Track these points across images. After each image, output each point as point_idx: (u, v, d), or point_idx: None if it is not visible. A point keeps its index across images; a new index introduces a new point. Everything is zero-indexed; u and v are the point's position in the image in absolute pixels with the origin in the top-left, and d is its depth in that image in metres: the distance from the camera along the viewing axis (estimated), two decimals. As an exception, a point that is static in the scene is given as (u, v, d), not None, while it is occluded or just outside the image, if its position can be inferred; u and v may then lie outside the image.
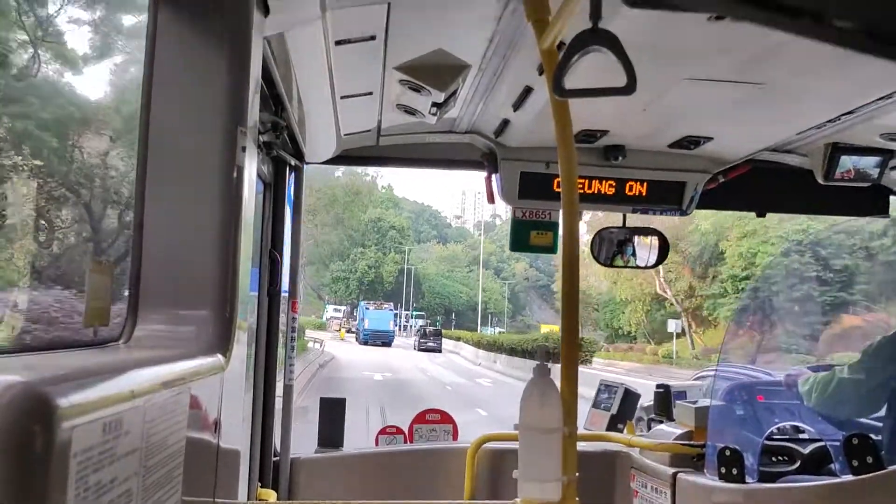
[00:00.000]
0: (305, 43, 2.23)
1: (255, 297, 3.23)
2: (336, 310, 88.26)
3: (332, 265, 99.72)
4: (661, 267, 51.98)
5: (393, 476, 3.75)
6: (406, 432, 4.24)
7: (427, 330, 68.65)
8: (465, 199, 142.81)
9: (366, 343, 66.16)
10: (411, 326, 79.46)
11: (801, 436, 3.60)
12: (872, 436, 3.03)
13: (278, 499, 3.43)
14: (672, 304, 55.54)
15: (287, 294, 3.64)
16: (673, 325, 50.35)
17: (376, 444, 4.17)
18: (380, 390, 25.84)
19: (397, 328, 78.94)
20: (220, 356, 1.48)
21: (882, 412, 3.29)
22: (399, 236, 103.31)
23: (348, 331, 76.63)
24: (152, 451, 1.06)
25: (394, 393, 25.21)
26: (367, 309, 71.42)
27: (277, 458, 3.56)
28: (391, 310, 73.50)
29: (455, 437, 4.35)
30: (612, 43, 1.66)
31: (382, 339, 67.52)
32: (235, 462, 1.81)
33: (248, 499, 3.13)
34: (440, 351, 62.84)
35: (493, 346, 51.09)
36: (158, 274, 1.53)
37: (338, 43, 2.34)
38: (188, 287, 1.53)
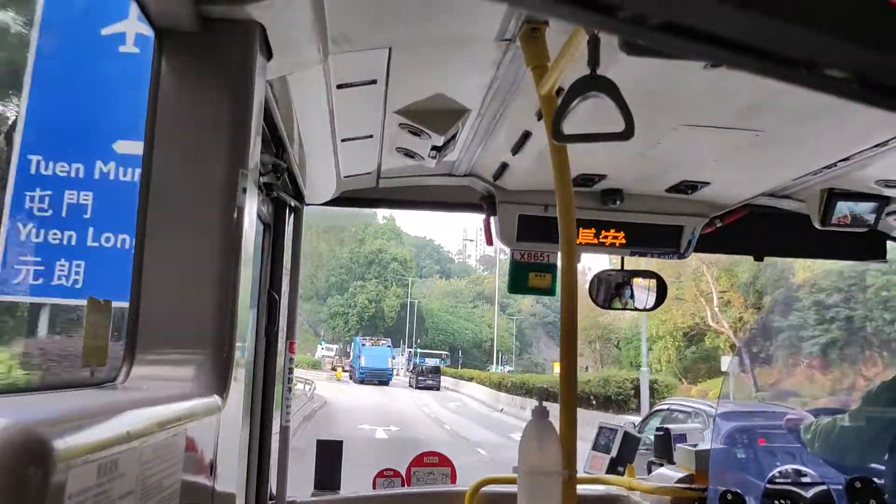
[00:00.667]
0: (307, 86, 2.26)
1: (252, 338, 3.22)
2: (328, 348, 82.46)
3: (330, 298, 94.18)
4: (714, 295, 44.96)
5: None
6: (403, 475, 4.19)
7: (423, 367, 64.96)
8: (466, 235, 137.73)
9: (362, 381, 62.17)
10: (418, 366, 72.41)
11: (804, 479, 3.56)
12: (875, 479, 3.00)
13: None
14: (711, 340, 48.36)
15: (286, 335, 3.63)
16: (727, 363, 39.57)
17: (374, 487, 4.12)
18: (385, 458, 16.39)
19: (400, 367, 74.80)
20: (217, 397, 1.47)
21: (885, 456, 3.27)
22: (401, 269, 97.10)
23: (343, 369, 70.69)
24: (148, 494, 1.05)
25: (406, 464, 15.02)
26: (364, 345, 66.94)
27: (273, 501, 3.51)
28: (389, 346, 68.66)
29: (453, 480, 4.30)
30: (610, 89, 1.69)
31: (380, 378, 63.15)
32: None
33: None
34: (438, 388, 59.68)
35: (519, 389, 42.22)
36: (156, 314, 1.53)
37: (339, 87, 2.37)
38: (186, 327, 1.53)
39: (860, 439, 3.20)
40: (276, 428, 3.48)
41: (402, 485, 4.15)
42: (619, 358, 60.87)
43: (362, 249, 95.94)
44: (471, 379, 59.07)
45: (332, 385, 52.88)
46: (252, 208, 1.70)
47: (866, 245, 4.00)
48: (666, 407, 16.60)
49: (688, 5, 0.48)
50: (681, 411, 15.27)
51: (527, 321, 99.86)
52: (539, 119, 2.60)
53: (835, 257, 4.22)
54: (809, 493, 3.43)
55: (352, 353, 72.19)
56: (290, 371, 3.59)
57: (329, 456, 3.87)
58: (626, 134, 1.69)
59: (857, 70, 0.52)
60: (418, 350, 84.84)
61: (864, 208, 3.51)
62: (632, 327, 56.17)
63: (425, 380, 60.99)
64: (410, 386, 62.12)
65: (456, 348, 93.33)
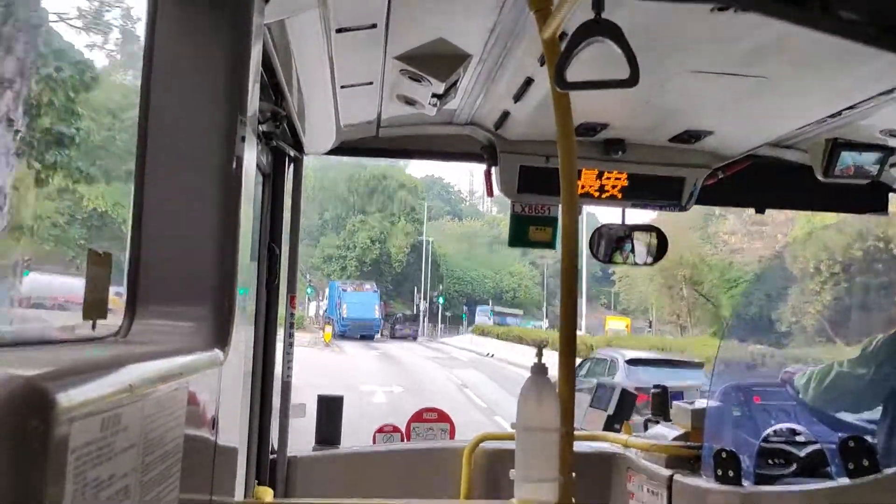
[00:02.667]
0: (306, 30, 2.21)
1: (253, 291, 3.22)
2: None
3: (324, 238, 75.24)
4: None
5: (390, 474, 3.75)
6: (403, 431, 4.24)
7: (398, 316, 60.00)
8: (473, 180, 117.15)
9: (343, 335, 51.52)
10: (391, 315, 61.36)
11: (798, 438, 3.59)
12: (869, 438, 3.02)
13: (275, 497, 3.42)
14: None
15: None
16: None
17: (374, 442, 4.17)
18: None
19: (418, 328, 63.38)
20: (218, 351, 1.47)
21: (878, 414, 3.29)
22: (411, 198, 78.38)
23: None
24: (150, 448, 1.05)
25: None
26: (344, 291, 55.97)
27: (275, 455, 3.55)
28: (374, 291, 57.47)
29: (452, 435, 4.35)
30: (615, 34, 1.66)
31: (366, 331, 53.63)
32: (233, 459, 1.80)
33: (246, 496, 3.11)
34: (416, 338, 56.05)
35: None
36: (156, 267, 1.51)
37: (338, 31, 2.33)
38: (186, 281, 1.52)
39: (856, 385, 3.22)
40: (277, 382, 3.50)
41: (402, 440, 4.20)
42: (709, 311, 43.71)
43: (362, 175, 78.80)
44: (521, 339, 39.61)
45: (313, 356, 32.68)
46: (251, 158, 1.67)
47: (868, 197, 4.00)
48: (594, 356, 18.99)
49: None
50: (603, 359, 17.69)
51: (552, 269, 77.70)
52: (542, 65, 2.56)
53: (836, 210, 4.23)
54: (803, 452, 3.47)
55: (328, 302, 59.83)
56: (292, 325, 3.61)
57: (330, 412, 3.91)
58: (632, 80, 1.67)
59: (871, 12, 0.51)
60: (493, 309, 68.11)
61: (868, 159, 3.49)
62: (736, 265, 39.80)
63: (402, 328, 57.65)
64: (383, 335, 56.68)
65: (474, 300, 76.12)
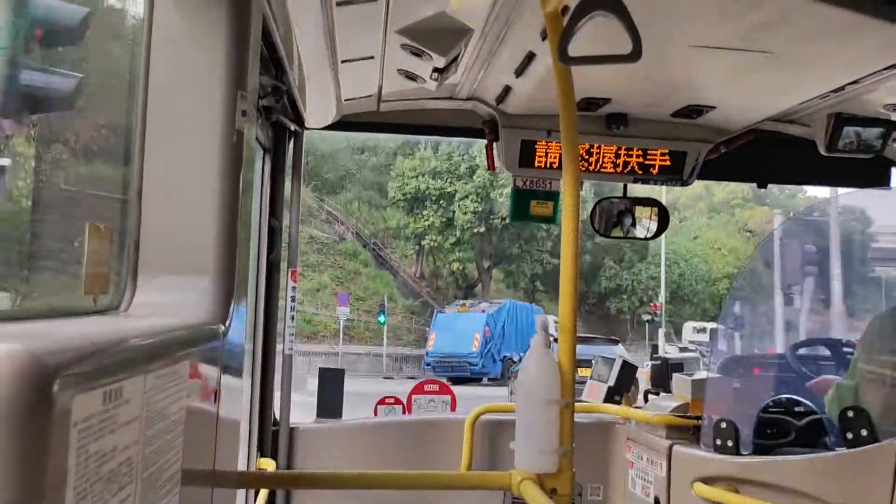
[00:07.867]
0: (306, 4, 2.19)
1: (255, 266, 3.23)
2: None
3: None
4: None
5: (391, 446, 3.78)
6: (405, 403, 4.27)
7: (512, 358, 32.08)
8: None
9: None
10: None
11: (797, 408, 3.61)
12: (868, 409, 3.03)
13: (277, 468, 3.46)
14: None
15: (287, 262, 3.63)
16: None
17: (375, 414, 4.19)
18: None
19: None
20: (219, 325, 1.47)
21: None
22: None
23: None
24: (152, 420, 1.05)
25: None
26: (440, 314, 35.43)
27: (277, 427, 3.58)
28: (484, 311, 34.30)
29: (453, 407, 4.38)
30: (618, 9, 1.64)
31: (459, 372, 30.25)
32: (235, 431, 1.81)
33: (248, 468, 3.15)
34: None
35: None
36: (158, 241, 1.51)
37: (339, 4, 2.30)
38: (188, 254, 1.51)
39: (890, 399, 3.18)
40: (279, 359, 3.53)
41: (403, 412, 4.23)
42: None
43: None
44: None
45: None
46: (251, 132, 1.66)
47: (871, 171, 3.98)
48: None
49: None
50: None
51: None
52: (543, 39, 2.54)
53: (839, 184, 4.22)
54: (802, 422, 3.49)
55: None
56: (294, 299, 3.63)
57: (331, 384, 3.93)
58: (635, 55, 1.66)
59: None
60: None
61: (871, 133, 3.47)
62: None
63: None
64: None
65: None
